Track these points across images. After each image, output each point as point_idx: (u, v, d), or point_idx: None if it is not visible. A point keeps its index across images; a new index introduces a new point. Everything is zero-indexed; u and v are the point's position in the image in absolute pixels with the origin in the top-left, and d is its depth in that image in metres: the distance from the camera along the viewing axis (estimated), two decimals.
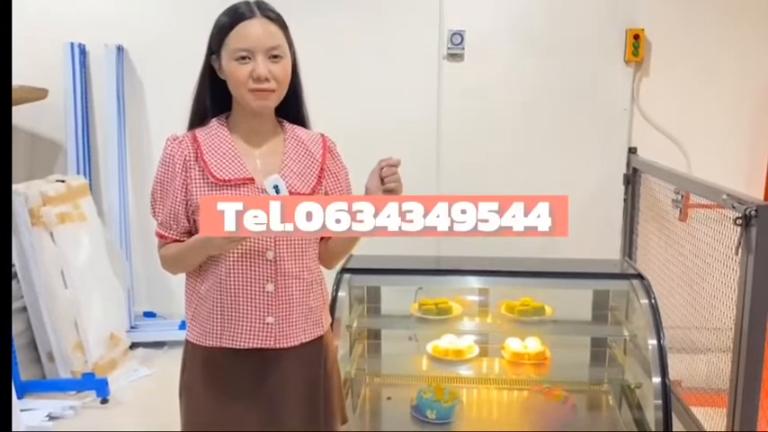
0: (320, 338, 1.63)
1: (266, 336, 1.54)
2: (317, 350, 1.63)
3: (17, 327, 3.28)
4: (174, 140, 1.57)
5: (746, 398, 2.18)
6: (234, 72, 1.50)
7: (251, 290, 1.53)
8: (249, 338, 1.54)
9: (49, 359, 3.36)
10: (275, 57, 1.51)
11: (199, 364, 1.59)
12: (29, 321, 3.35)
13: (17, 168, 3.97)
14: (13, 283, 3.31)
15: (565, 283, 2.66)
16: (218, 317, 1.55)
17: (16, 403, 2.85)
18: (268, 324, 1.54)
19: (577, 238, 3.81)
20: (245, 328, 1.54)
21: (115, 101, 3.88)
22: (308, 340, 1.60)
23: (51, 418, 3.03)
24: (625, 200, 3.89)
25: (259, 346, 1.54)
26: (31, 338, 3.38)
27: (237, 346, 1.54)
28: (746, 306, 2.16)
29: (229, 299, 1.53)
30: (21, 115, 3.90)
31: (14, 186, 3.29)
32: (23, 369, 3.25)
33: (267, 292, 1.54)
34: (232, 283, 1.53)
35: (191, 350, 1.61)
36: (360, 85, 3.88)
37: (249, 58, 1.50)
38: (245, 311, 1.53)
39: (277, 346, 1.55)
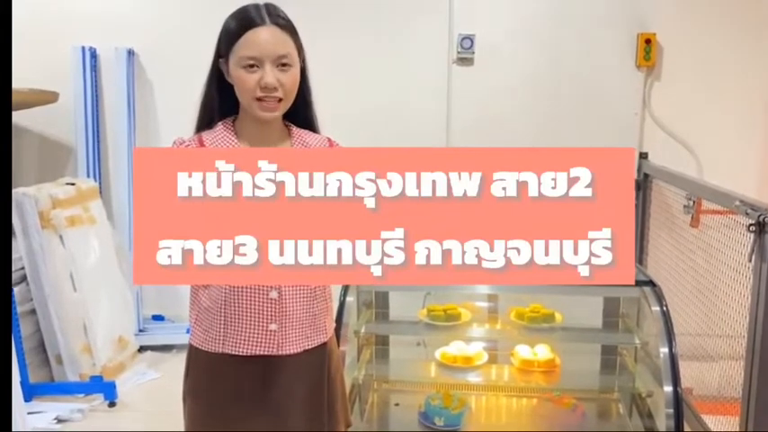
0: (324, 345, 1.62)
1: (269, 343, 1.53)
2: (320, 356, 1.61)
3: (26, 329, 3.29)
4: (181, 144, 1.56)
5: (759, 406, 2.15)
6: (242, 80, 1.49)
7: (254, 297, 1.52)
8: (252, 345, 1.53)
9: (58, 362, 3.37)
10: (284, 65, 1.49)
11: (202, 369, 1.59)
12: (38, 324, 3.36)
13: (27, 171, 3.99)
14: (23, 285, 3.31)
15: (575, 289, 2.62)
16: (221, 323, 1.54)
17: (24, 406, 2.86)
18: (271, 331, 1.53)
19: None
20: (248, 335, 1.53)
21: (125, 104, 3.89)
22: (311, 347, 1.59)
23: (59, 420, 3.03)
24: (636, 205, 3.85)
25: (262, 353, 1.54)
26: (39, 341, 3.38)
27: (240, 353, 1.53)
28: (759, 314, 2.13)
29: (233, 305, 1.52)
30: (31, 118, 3.92)
31: (24, 189, 3.30)
32: (32, 371, 3.26)
33: (271, 299, 1.52)
34: (235, 289, 1.52)
35: (194, 354, 1.60)
36: (369, 89, 3.87)
37: (257, 66, 1.48)
38: (248, 318, 1.52)
39: (280, 353, 1.54)
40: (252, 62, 1.47)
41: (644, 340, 2.61)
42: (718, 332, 2.62)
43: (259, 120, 1.54)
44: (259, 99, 1.49)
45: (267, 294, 1.52)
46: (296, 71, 1.53)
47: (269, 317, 1.53)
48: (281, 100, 1.51)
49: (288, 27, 1.52)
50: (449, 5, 3.82)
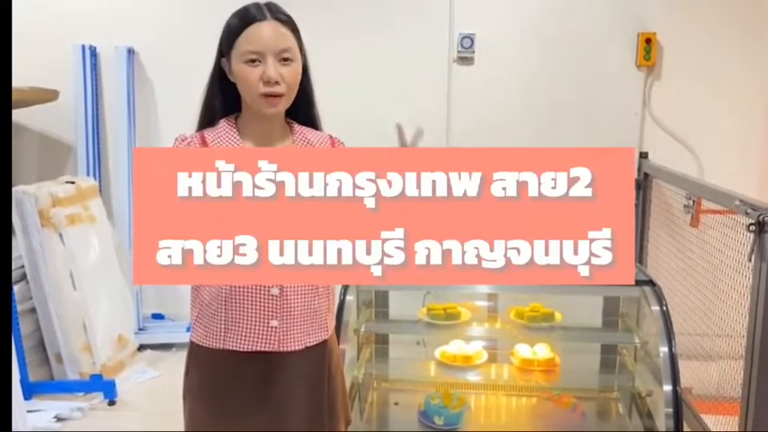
0: (324, 342, 1.62)
1: (270, 339, 1.54)
2: (320, 353, 1.62)
3: (26, 328, 3.29)
4: (183, 141, 1.56)
5: (759, 406, 2.15)
6: (244, 75, 1.49)
7: (256, 293, 1.52)
8: (253, 342, 1.53)
9: (58, 360, 3.37)
10: (286, 60, 1.50)
11: (202, 366, 1.59)
12: (38, 323, 3.36)
13: (27, 169, 3.99)
14: (23, 284, 3.32)
15: (575, 289, 2.62)
16: (222, 319, 1.54)
17: (23, 404, 2.86)
18: (272, 328, 1.53)
19: None
20: (249, 331, 1.53)
21: (125, 103, 3.89)
22: (312, 344, 1.59)
23: (59, 419, 3.03)
24: (636, 205, 3.85)
25: (263, 349, 1.54)
26: (39, 340, 3.38)
27: (241, 349, 1.54)
28: (759, 313, 2.13)
29: (234, 302, 1.53)
30: (31, 116, 3.92)
31: (24, 187, 3.30)
32: (32, 370, 3.26)
33: (272, 296, 1.53)
34: (237, 285, 1.52)
35: (195, 351, 1.60)
36: (370, 88, 3.87)
37: (259, 61, 1.48)
38: (249, 315, 1.53)
39: (281, 349, 1.54)
40: (254, 56, 1.48)
41: (644, 340, 2.61)
42: (718, 332, 2.62)
43: (263, 116, 1.54)
44: (262, 94, 1.49)
45: (269, 291, 1.52)
46: (297, 66, 1.53)
47: (270, 313, 1.53)
48: (283, 96, 1.51)
49: (289, 23, 1.53)
50: (449, 5, 3.82)
